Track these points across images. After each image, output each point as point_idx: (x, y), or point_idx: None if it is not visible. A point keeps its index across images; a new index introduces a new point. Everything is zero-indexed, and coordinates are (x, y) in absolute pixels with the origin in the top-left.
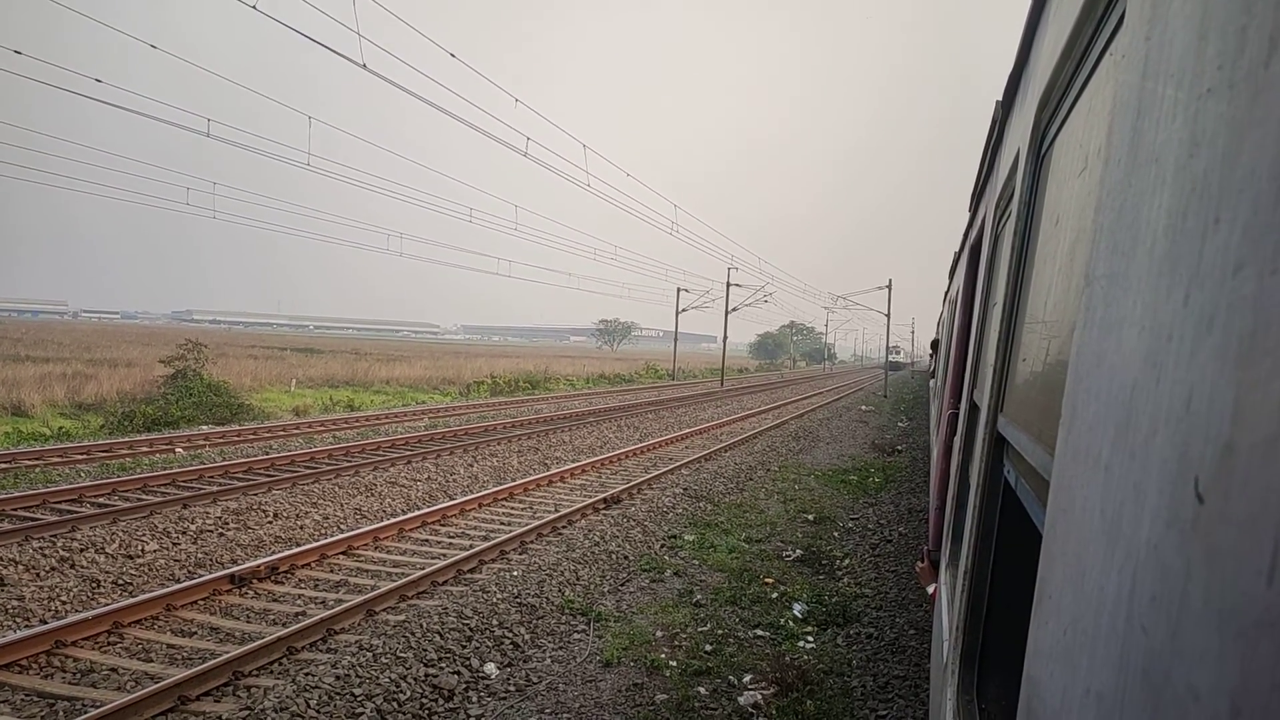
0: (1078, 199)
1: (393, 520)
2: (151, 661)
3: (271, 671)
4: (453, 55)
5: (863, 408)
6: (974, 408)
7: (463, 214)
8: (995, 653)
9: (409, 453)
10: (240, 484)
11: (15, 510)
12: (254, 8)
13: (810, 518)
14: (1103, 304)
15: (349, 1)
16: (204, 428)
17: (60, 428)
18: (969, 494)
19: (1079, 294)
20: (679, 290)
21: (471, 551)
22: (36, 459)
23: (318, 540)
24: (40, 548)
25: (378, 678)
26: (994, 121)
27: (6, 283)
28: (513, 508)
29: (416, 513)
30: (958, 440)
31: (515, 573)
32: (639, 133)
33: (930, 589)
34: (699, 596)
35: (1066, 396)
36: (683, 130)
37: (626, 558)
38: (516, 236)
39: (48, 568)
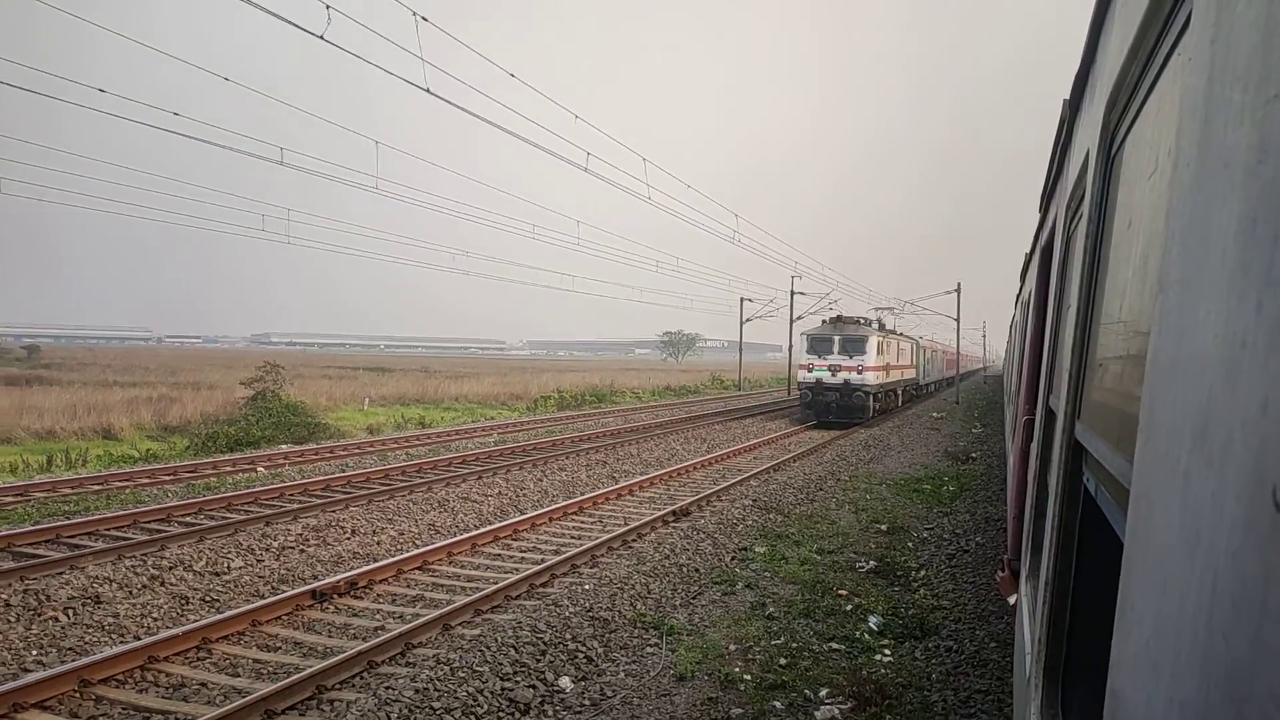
0: (1150, 201)
1: (465, 535)
2: (239, 676)
3: (353, 685)
4: (512, 75)
5: (934, 415)
6: (1050, 414)
7: (526, 230)
8: (1080, 666)
9: (479, 468)
10: (319, 501)
11: (108, 530)
12: (321, 38)
13: (883, 528)
14: (1177, 310)
15: (413, 28)
16: (283, 447)
17: (148, 450)
18: (1048, 502)
19: (1153, 299)
20: (742, 300)
21: (543, 565)
22: (126, 480)
23: (394, 556)
24: (132, 566)
25: (455, 691)
26: (1062, 121)
27: (96, 311)
28: (582, 521)
29: (488, 527)
30: (1034, 447)
31: (587, 586)
32: (701, 144)
33: (1011, 600)
34: (772, 609)
35: (1144, 404)
36: (750, 140)
37: (697, 570)
38: (579, 251)
39: (139, 585)
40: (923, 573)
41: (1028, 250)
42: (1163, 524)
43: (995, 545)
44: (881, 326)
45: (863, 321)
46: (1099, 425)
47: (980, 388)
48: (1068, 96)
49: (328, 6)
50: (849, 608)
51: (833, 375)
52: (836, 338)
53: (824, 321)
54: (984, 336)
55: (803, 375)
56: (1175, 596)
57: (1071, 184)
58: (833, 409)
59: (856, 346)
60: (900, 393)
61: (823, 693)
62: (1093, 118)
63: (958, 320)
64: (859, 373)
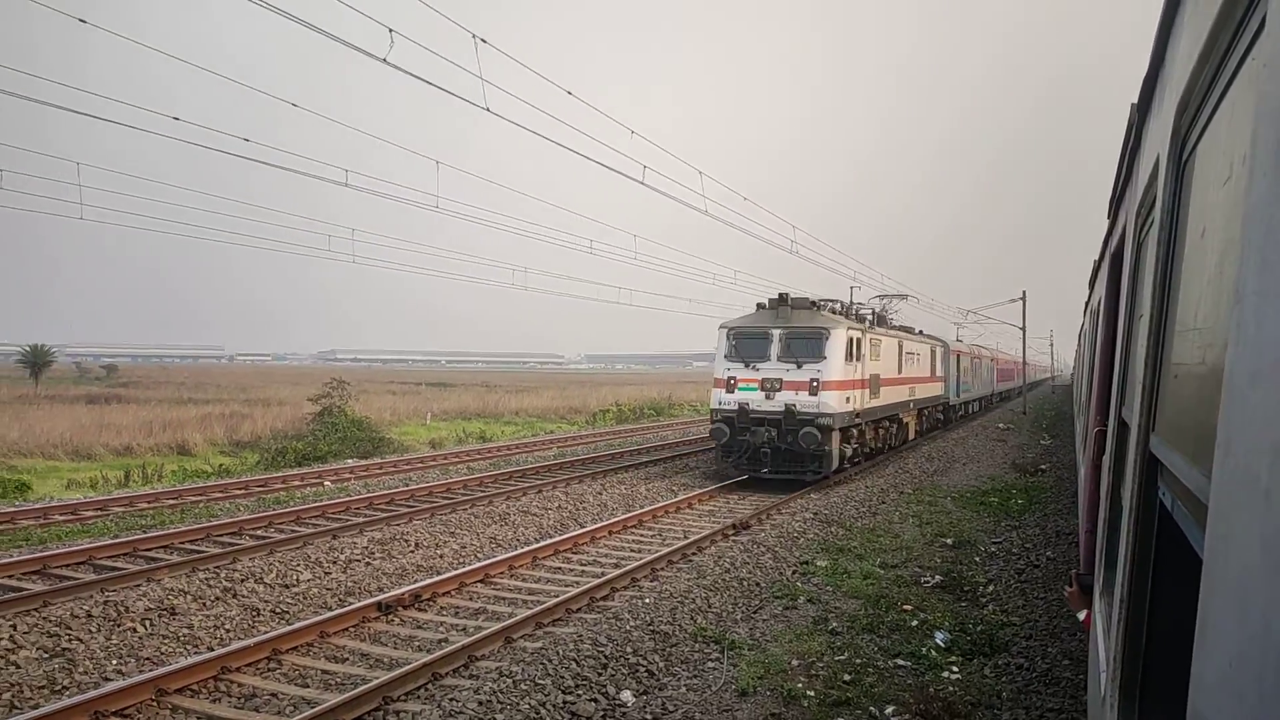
0: (1224, 209)
1: (527, 549)
2: (308, 687)
3: (418, 696)
4: (569, 93)
5: (1000, 425)
6: (1123, 425)
7: (583, 246)
8: (1158, 685)
9: (539, 482)
10: (384, 515)
11: (183, 543)
12: (384, 61)
13: (949, 542)
14: (1254, 322)
15: (472, 49)
16: (349, 461)
17: (220, 465)
18: (1122, 517)
19: (1230, 309)
20: None
21: (603, 579)
22: (200, 495)
23: (457, 569)
24: (205, 578)
25: (518, 704)
26: (1130, 125)
27: (173, 331)
28: (642, 535)
29: (549, 541)
30: (1107, 459)
31: (647, 600)
32: (756, 154)
33: (1081, 615)
34: (834, 624)
35: (1221, 418)
36: (802, 146)
37: (758, 584)
38: (636, 265)
39: (213, 597)
40: (991, 588)
41: (1096, 257)
42: (1243, 542)
43: (1067, 560)
44: (876, 319)
45: (824, 307)
46: (1174, 438)
47: (1048, 398)
48: (1135, 101)
49: (391, 31)
50: (914, 623)
51: (767, 397)
52: (776, 332)
53: (759, 306)
54: (1051, 346)
55: (718, 398)
56: (1258, 618)
57: (1141, 190)
58: (765, 456)
59: (809, 346)
60: (914, 420)
61: (888, 710)
62: (1162, 123)
63: (1023, 329)
64: (812, 392)
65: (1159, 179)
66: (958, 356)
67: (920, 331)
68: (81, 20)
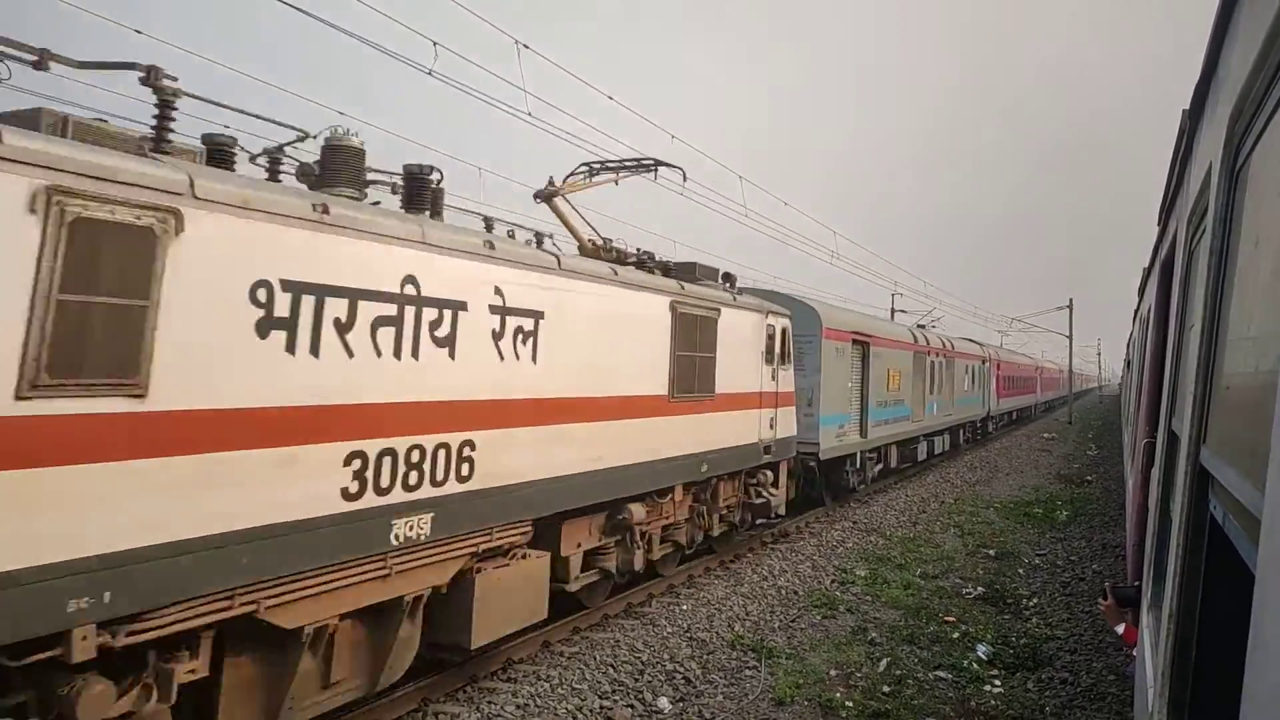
0: None
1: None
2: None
3: (457, 699)
4: (610, 98)
5: (1045, 435)
6: (1173, 437)
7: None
8: (1207, 702)
9: None
10: None
11: None
12: (430, 73)
13: (991, 553)
14: None
15: (514, 56)
16: None
17: None
18: (1171, 530)
19: None
20: None
21: (640, 585)
22: None
23: None
24: None
25: (555, 708)
26: (1181, 132)
27: None
28: None
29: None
30: (1155, 471)
31: (684, 607)
32: (796, 163)
33: (1119, 629)
34: (874, 634)
35: (1275, 431)
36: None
37: (796, 593)
38: None
39: None
40: (1035, 601)
41: (1145, 265)
42: None
43: (1114, 574)
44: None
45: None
46: (1226, 450)
47: (1095, 408)
48: (1187, 107)
49: (435, 44)
50: (955, 635)
51: None
52: None
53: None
54: (1099, 354)
55: None
56: None
57: (1193, 198)
58: None
59: None
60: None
61: None
62: (1215, 130)
63: (1070, 338)
64: None
65: (1211, 188)
66: (864, 350)
67: (734, 293)
68: (138, 31)
